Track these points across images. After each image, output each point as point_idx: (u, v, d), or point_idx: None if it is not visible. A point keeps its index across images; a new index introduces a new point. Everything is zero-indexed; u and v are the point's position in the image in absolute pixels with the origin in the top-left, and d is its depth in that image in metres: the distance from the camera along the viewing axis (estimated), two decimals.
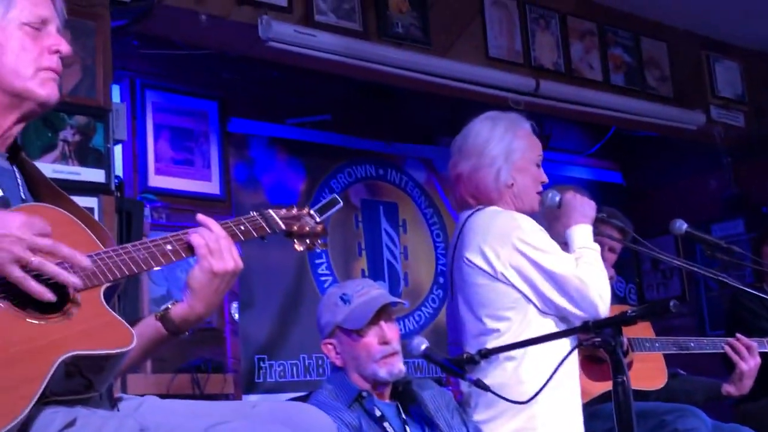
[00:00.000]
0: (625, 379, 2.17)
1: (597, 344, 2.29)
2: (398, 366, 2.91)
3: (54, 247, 1.73)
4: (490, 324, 3.08)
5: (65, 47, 1.99)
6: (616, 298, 6.45)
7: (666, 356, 3.95)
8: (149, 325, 2.05)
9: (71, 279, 1.74)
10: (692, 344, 3.89)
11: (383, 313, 2.93)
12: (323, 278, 5.46)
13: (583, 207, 3.22)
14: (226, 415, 1.86)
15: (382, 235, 5.81)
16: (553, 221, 3.57)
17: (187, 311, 2.02)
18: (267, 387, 5.09)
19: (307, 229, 2.19)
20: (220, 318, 4.84)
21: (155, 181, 4.84)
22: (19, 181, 2.00)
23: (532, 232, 3.06)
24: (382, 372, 2.89)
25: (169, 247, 1.95)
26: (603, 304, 2.98)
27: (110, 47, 3.66)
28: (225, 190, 5.06)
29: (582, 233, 3.16)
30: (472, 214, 3.20)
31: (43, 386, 1.68)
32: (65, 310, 1.79)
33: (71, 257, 1.74)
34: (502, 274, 3.06)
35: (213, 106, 5.07)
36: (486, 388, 2.55)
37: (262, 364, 5.08)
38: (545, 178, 3.27)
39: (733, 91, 6.26)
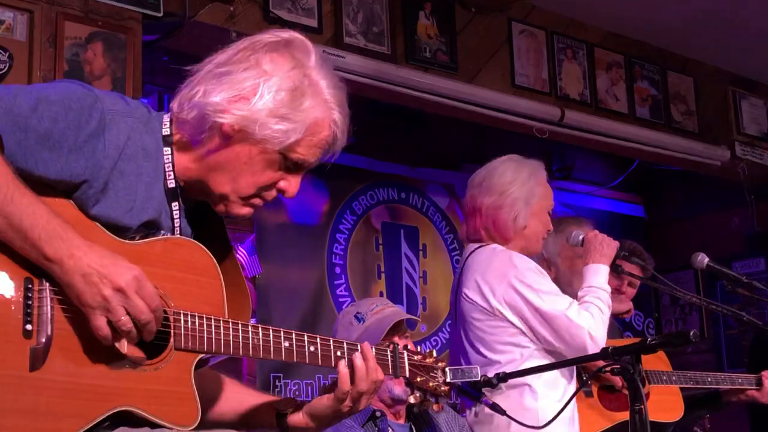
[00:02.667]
0: (642, 407, 2.16)
1: (615, 372, 2.28)
2: None
3: (145, 315, 1.69)
4: (491, 356, 3.15)
5: (292, 194, 1.95)
6: (634, 332, 6.43)
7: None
8: (266, 411, 2.08)
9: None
10: (709, 379, 3.87)
11: (397, 330, 2.93)
12: (342, 299, 5.46)
13: (602, 246, 3.30)
14: None
15: (402, 258, 5.80)
16: (575, 259, 3.63)
17: (302, 426, 2.04)
18: None
19: (431, 384, 2.09)
20: None
21: None
22: (191, 228, 1.98)
23: (528, 271, 3.17)
24: (397, 390, 2.89)
25: (287, 344, 1.91)
26: (593, 346, 3.03)
27: (141, 61, 3.69)
28: None
29: (596, 272, 3.25)
30: (474, 251, 3.32)
31: (85, 429, 1.67)
32: (154, 362, 1.77)
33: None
34: (498, 310, 3.16)
35: None
36: (503, 412, 2.55)
37: (277, 383, 5.08)
38: (551, 226, 3.39)
39: (759, 128, 6.25)
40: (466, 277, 3.26)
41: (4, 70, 3.38)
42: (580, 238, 3.38)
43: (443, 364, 2.11)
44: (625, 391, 3.53)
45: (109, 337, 1.66)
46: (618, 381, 3.56)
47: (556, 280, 3.42)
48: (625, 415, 3.57)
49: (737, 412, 4.34)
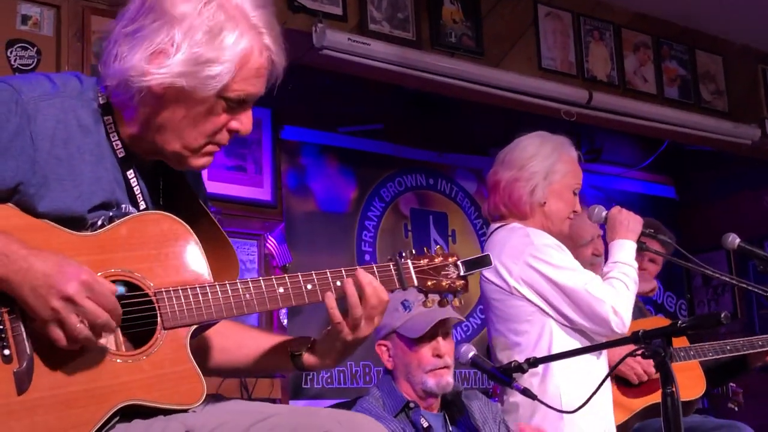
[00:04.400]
0: (674, 389, 2.14)
1: (646, 355, 2.26)
2: (447, 379, 2.91)
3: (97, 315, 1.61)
4: (512, 337, 3.12)
5: (247, 129, 1.83)
6: (666, 313, 6.39)
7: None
8: (281, 353, 2.00)
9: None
10: (728, 347, 3.82)
11: (441, 326, 2.91)
12: None
13: (627, 222, 3.24)
14: (279, 411, 1.79)
15: (431, 244, 5.80)
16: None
17: (318, 364, 1.97)
18: (313, 393, 5.10)
19: (445, 284, 1.98)
20: (269, 323, 4.86)
21: (208, 186, 4.86)
22: (161, 187, 1.92)
23: (545, 247, 3.09)
24: (431, 383, 2.89)
25: (281, 289, 1.83)
26: (616, 320, 2.97)
27: None
28: (276, 196, 5.09)
29: (621, 248, 3.19)
30: (495, 231, 3.27)
31: None
32: (145, 349, 1.72)
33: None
34: (516, 289, 3.10)
35: (266, 114, 5.11)
36: (533, 397, 2.55)
37: (309, 373, 5.09)
38: (579, 208, 3.30)
39: None
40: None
41: (32, 66, 3.40)
42: (603, 214, 3.30)
43: (454, 258, 2.01)
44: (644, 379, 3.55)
45: (72, 347, 1.61)
46: (632, 375, 3.53)
47: None
48: (642, 403, 3.58)
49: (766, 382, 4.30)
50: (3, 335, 1.60)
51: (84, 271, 1.60)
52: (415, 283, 1.95)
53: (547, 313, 3.08)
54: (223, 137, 1.83)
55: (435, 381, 2.89)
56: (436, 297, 1.98)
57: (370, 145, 5.65)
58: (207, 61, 1.73)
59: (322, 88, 4.90)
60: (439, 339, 2.93)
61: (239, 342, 2.04)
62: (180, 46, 1.72)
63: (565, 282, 3.04)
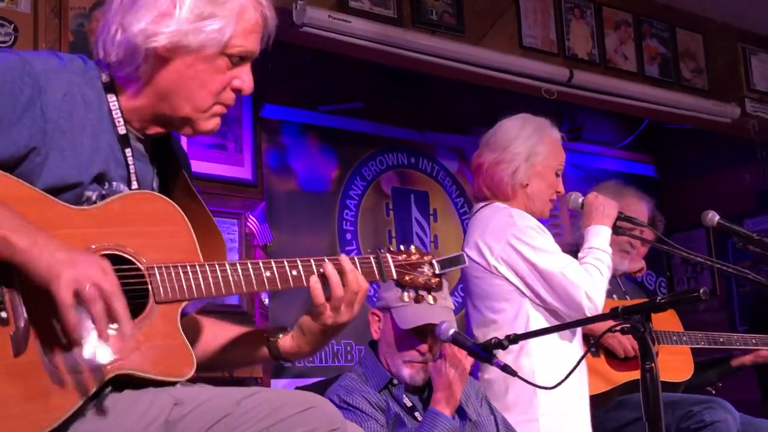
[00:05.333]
0: (653, 365, 2.16)
1: (625, 331, 2.28)
2: (421, 374, 2.93)
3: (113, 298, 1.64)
4: (489, 315, 3.17)
5: (249, 88, 1.93)
6: (646, 291, 6.43)
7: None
8: (257, 343, 2.05)
9: (103, 345, 1.66)
10: (721, 339, 3.86)
11: (432, 326, 2.91)
12: None
13: (603, 208, 3.28)
14: (266, 389, 1.84)
15: (412, 223, 5.80)
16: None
17: (295, 350, 2.02)
18: (295, 372, 5.10)
19: (421, 280, 2.06)
20: (250, 302, 4.85)
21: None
22: (154, 169, 1.98)
23: (527, 228, 3.15)
24: (405, 373, 2.93)
25: (268, 273, 1.89)
26: (590, 305, 3.03)
27: None
28: (257, 175, 5.06)
29: (597, 234, 3.24)
30: (478, 210, 3.33)
31: (82, 402, 1.68)
32: (138, 321, 1.76)
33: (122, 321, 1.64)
34: (495, 268, 3.16)
35: None
36: (513, 374, 2.56)
37: None
38: (561, 189, 3.36)
39: None
40: (466, 238, 3.29)
41: (9, 43, 3.37)
42: (580, 200, 3.35)
43: (430, 257, 2.08)
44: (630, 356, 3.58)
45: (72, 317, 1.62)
46: (620, 350, 3.57)
47: None
48: (626, 377, 3.62)
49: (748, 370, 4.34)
50: (1, 299, 1.63)
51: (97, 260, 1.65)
52: (394, 276, 2.02)
53: (524, 294, 3.12)
54: (228, 96, 1.91)
55: (409, 373, 2.92)
56: (413, 293, 2.05)
57: (350, 123, 5.63)
58: (209, 17, 1.84)
59: (302, 66, 4.88)
60: (428, 338, 2.92)
61: (215, 333, 2.09)
62: (182, 6, 1.83)
63: (543, 265, 3.09)
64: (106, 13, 1.89)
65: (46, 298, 1.62)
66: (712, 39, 5.96)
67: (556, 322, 3.11)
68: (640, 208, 3.92)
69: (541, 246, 3.13)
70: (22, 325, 1.64)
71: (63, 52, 1.94)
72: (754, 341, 3.90)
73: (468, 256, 3.15)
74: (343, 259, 1.94)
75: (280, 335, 2.03)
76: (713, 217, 3.48)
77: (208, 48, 1.86)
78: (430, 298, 2.08)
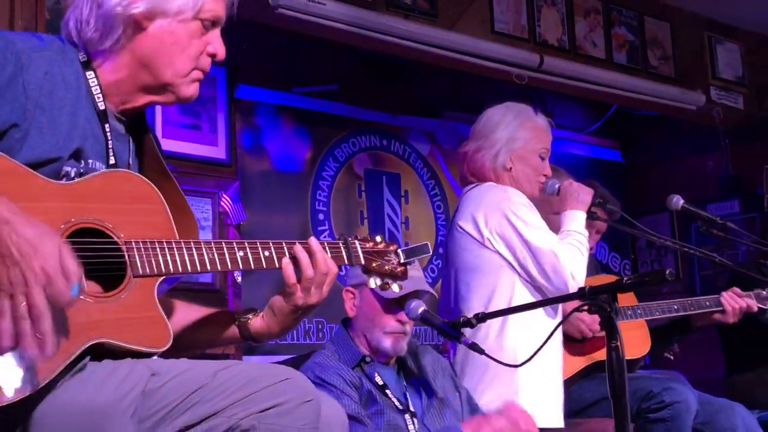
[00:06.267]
0: (618, 344, 2.18)
1: (592, 310, 2.30)
2: (402, 344, 2.95)
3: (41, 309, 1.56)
4: (477, 289, 3.19)
5: (222, 53, 1.99)
6: (611, 273, 6.48)
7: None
8: (227, 323, 2.08)
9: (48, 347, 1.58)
10: (675, 307, 3.89)
11: (414, 297, 2.93)
12: None
13: (578, 194, 3.34)
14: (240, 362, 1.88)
15: (384, 204, 5.81)
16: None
17: (264, 330, 2.05)
18: (266, 349, 5.10)
19: (387, 268, 2.10)
20: (223, 280, 4.85)
21: (163, 144, 4.82)
22: (131, 148, 1.99)
23: (521, 206, 3.20)
24: (387, 344, 2.93)
25: (241, 253, 1.91)
26: (573, 283, 3.09)
27: None
28: (231, 155, 5.05)
29: (573, 218, 3.30)
30: (470, 189, 3.36)
31: (65, 365, 1.68)
32: (117, 292, 1.78)
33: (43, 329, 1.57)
34: (489, 241, 3.19)
35: (221, 72, 5.04)
36: (481, 352, 2.58)
37: None
38: (548, 171, 3.41)
39: (734, 73, 6.25)
40: (461, 212, 3.30)
41: None
42: (556, 186, 3.40)
43: (395, 246, 2.13)
44: (589, 336, 3.62)
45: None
46: (577, 333, 3.60)
47: None
48: (585, 361, 3.65)
49: (707, 334, 4.39)
50: None
51: (52, 259, 1.57)
52: (362, 261, 2.06)
53: (514, 268, 3.16)
54: (205, 61, 1.97)
55: (391, 344, 2.93)
56: (379, 280, 2.08)
57: (324, 105, 5.62)
58: None
59: (277, 48, 4.86)
60: (402, 315, 2.94)
61: (186, 313, 2.11)
62: None
63: (535, 241, 3.14)
64: None
65: None
66: (679, 28, 5.99)
67: (539, 298, 3.15)
68: None
69: (534, 223, 3.18)
70: None
71: (42, 33, 1.97)
72: (708, 303, 3.93)
73: (462, 228, 3.24)
74: (313, 242, 1.98)
75: (251, 316, 2.06)
76: (678, 201, 3.53)
77: (184, 12, 1.92)
78: (395, 286, 2.12)
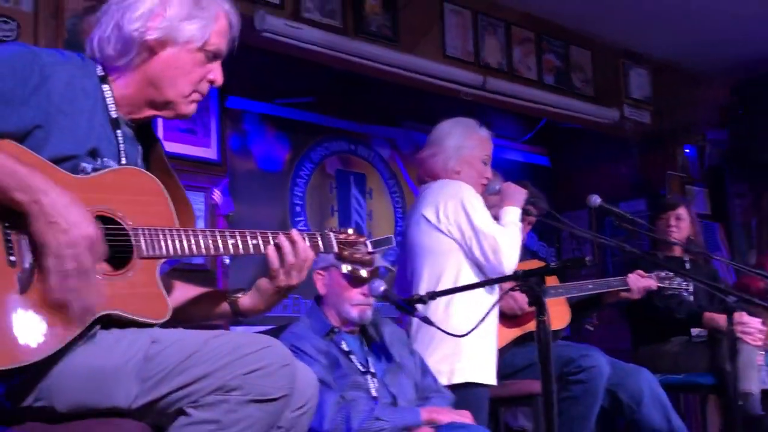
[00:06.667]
0: (546, 318, 2.20)
1: (524, 290, 2.32)
2: (368, 313, 2.95)
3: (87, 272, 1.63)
4: (429, 270, 3.20)
5: (221, 81, 1.96)
6: (539, 259, 6.52)
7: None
8: (219, 300, 2.07)
9: (80, 306, 1.65)
10: (590, 286, 3.93)
11: (374, 274, 2.93)
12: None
13: (515, 193, 3.38)
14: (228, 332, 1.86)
15: (351, 200, 5.80)
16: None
17: (251, 307, 2.04)
18: (250, 321, 5.07)
19: (357, 256, 2.09)
20: (214, 261, 4.81)
21: (165, 146, 4.77)
22: (139, 151, 1.97)
23: (474, 197, 3.24)
24: (354, 314, 2.93)
25: (232, 241, 1.90)
26: (510, 264, 3.13)
27: None
28: (222, 155, 4.99)
29: (512, 213, 3.33)
30: (428, 186, 3.37)
31: (79, 332, 1.67)
32: (124, 271, 1.77)
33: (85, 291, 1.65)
34: (444, 224, 3.20)
35: None
36: (431, 323, 2.59)
37: None
38: (490, 175, 3.42)
39: (643, 93, 6.31)
40: (423, 203, 3.30)
41: (12, 37, 3.28)
42: (497, 187, 3.43)
43: (364, 238, 2.13)
44: (519, 312, 3.64)
45: (58, 277, 1.63)
46: (511, 309, 3.62)
47: None
48: (518, 332, 3.68)
49: (614, 313, 4.45)
50: (10, 245, 1.62)
51: (92, 228, 1.64)
52: (335, 250, 2.05)
53: (462, 251, 3.18)
54: (204, 86, 1.94)
55: (358, 313, 2.93)
56: (349, 267, 2.08)
57: (302, 115, 5.59)
58: (193, 17, 1.88)
59: (261, 66, 4.82)
60: (366, 290, 2.94)
61: (184, 292, 2.09)
62: (172, 6, 1.87)
63: (481, 226, 3.15)
64: (101, 16, 1.90)
65: None
66: (597, 55, 6.04)
67: (480, 278, 3.18)
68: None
69: (482, 212, 3.21)
70: (27, 266, 1.63)
71: (65, 50, 1.92)
72: (615, 283, 3.98)
73: (425, 216, 3.24)
74: (294, 233, 1.98)
75: (239, 294, 2.05)
76: (595, 200, 3.55)
77: (192, 43, 1.89)
78: (363, 272, 2.11)
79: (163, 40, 1.87)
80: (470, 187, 3.26)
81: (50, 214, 1.61)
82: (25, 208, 1.62)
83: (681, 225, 4.56)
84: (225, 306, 2.06)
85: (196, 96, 1.94)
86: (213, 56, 1.94)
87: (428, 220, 3.23)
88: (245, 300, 2.04)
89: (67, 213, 1.62)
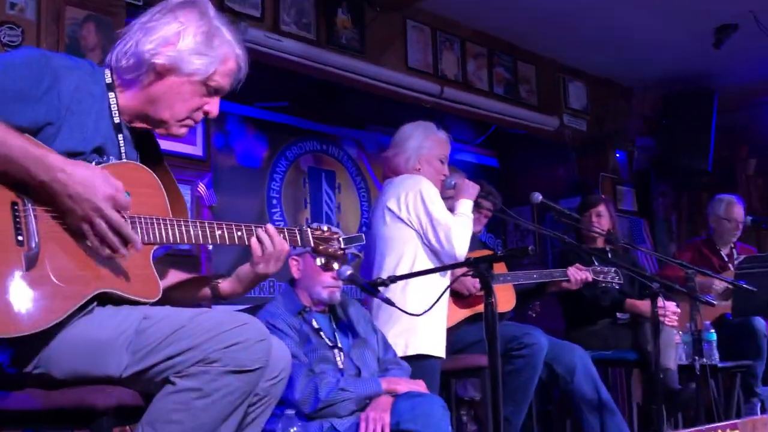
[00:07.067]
0: (493, 300, 2.21)
1: (475, 275, 2.33)
2: (336, 294, 2.95)
3: (119, 222, 1.68)
4: (389, 256, 3.20)
5: (215, 114, 1.93)
6: (488, 248, 6.57)
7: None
8: (202, 285, 2.07)
9: (134, 237, 1.72)
10: (535, 275, 3.97)
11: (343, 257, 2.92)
12: (277, 223, 5.41)
13: (469, 188, 3.39)
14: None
15: (322, 194, 5.79)
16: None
17: (230, 291, 2.05)
18: (230, 301, 5.04)
19: (330, 251, 2.09)
20: (198, 248, 4.76)
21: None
22: (137, 154, 1.95)
23: (431, 190, 3.24)
24: (324, 295, 2.92)
25: (219, 232, 1.89)
26: (461, 250, 3.13)
27: None
28: (206, 152, 4.94)
29: (465, 205, 3.33)
30: (391, 179, 3.36)
31: (77, 306, 1.66)
32: (120, 255, 1.75)
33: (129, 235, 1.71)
34: (405, 213, 3.20)
35: None
36: (392, 304, 2.60)
37: None
38: (447, 172, 3.42)
39: (580, 104, 6.38)
40: (387, 195, 3.29)
41: (17, 43, 3.22)
42: (453, 182, 3.44)
43: (337, 234, 2.13)
44: (473, 294, 3.67)
45: (95, 243, 1.67)
46: (464, 290, 3.64)
47: None
48: (468, 312, 3.71)
49: (553, 300, 4.50)
50: (18, 225, 1.61)
51: (110, 186, 1.68)
52: (311, 244, 2.05)
53: (419, 239, 3.18)
54: (198, 116, 1.90)
55: (328, 295, 2.93)
56: (324, 260, 2.08)
57: (279, 117, 5.56)
58: (202, 53, 1.85)
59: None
60: (334, 275, 2.94)
61: (171, 276, 2.09)
62: (185, 39, 1.84)
63: (436, 215, 3.15)
64: (127, 32, 1.88)
65: (57, 222, 1.65)
66: (541, 69, 6.09)
67: (435, 264, 3.19)
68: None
69: (438, 203, 3.21)
70: (34, 245, 1.62)
71: (75, 56, 1.91)
72: (557, 274, 4.03)
73: (389, 207, 3.23)
74: (271, 227, 1.99)
75: (220, 280, 2.05)
76: (538, 197, 3.58)
77: (196, 75, 1.86)
78: (335, 264, 2.11)
79: (170, 67, 1.84)
80: (428, 181, 3.27)
81: (70, 186, 1.62)
82: (47, 186, 1.62)
83: (602, 221, 4.63)
84: (207, 290, 2.07)
85: (189, 122, 1.91)
86: (214, 91, 1.90)
87: (391, 211, 3.23)
88: (225, 285, 2.05)
89: (84, 182, 1.63)
